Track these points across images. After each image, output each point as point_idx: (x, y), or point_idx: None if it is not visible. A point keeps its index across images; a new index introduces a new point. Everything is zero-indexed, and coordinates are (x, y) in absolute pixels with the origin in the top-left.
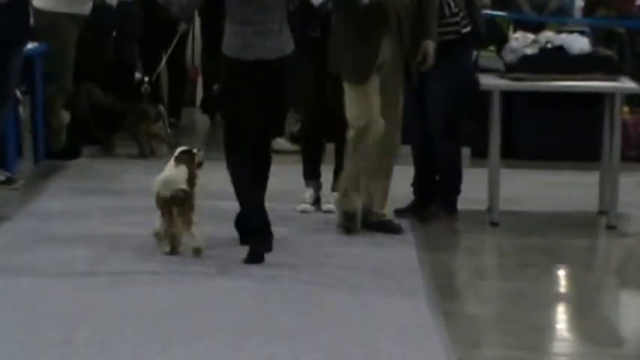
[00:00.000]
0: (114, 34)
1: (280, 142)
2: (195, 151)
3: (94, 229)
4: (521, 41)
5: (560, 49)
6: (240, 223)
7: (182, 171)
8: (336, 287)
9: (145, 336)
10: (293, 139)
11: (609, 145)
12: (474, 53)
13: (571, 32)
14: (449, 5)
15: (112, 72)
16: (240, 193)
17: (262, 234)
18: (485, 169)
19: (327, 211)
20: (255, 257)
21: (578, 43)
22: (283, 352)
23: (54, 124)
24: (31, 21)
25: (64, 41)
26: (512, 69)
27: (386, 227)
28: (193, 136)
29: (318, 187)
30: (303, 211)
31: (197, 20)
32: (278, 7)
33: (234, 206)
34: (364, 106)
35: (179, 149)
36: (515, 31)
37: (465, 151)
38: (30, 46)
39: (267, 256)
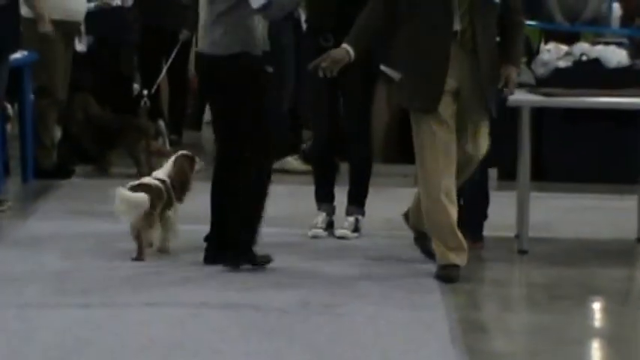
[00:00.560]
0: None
1: (291, 162)
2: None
3: (87, 255)
4: (553, 53)
5: (595, 61)
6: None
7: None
8: (351, 319)
9: None
10: (304, 158)
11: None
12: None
13: (608, 44)
14: None
15: (108, 84)
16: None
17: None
18: (513, 192)
19: (341, 237)
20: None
21: (616, 56)
22: None
23: (46, 141)
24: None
25: (53, 50)
26: (544, 83)
27: None
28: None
29: (331, 211)
30: (315, 237)
31: None
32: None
33: None
34: (432, 155)
35: (180, 152)
36: (546, 42)
37: (492, 173)
38: (18, 55)
39: (274, 286)
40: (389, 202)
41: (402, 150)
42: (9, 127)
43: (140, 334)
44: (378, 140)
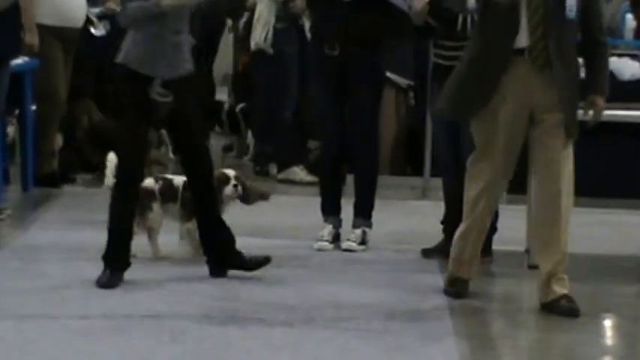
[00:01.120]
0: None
1: (296, 172)
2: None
3: (88, 266)
4: None
5: (609, 74)
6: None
7: None
8: (357, 334)
9: None
10: (310, 168)
11: None
12: None
13: (621, 56)
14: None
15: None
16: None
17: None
18: (523, 206)
19: (347, 250)
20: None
21: (629, 68)
22: None
23: (45, 149)
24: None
25: (52, 56)
26: None
27: None
28: None
29: (337, 224)
30: (320, 250)
31: None
32: None
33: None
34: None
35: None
36: None
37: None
38: (19, 61)
39: (279, 300)
40: (396, 215)
41: (410, 162)
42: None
43: (141, 346)
44: (386, 152)
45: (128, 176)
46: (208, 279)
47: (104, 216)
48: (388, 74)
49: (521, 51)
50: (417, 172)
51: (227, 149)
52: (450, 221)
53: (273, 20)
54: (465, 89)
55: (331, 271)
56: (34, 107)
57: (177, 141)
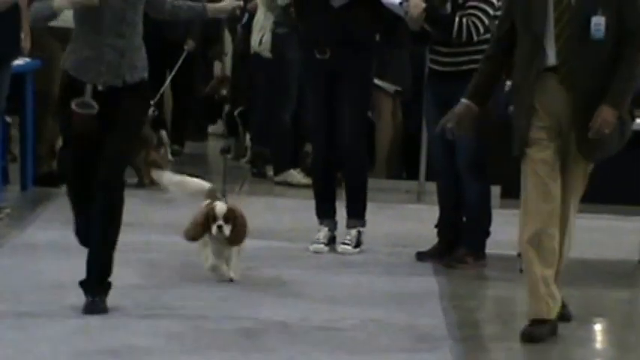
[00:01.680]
0: None
1: (293, 175)
2: None
3: (80, 268)
4: None
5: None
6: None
7: None
8: (352, 335)
9: None
10: (308, 171)
11: None
12: (506, 85)
13: None
14: (477, 29)
15: None
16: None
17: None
18: (516, 211)
19: (343, 253)
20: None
21: None
22: None
23: (44, 149)
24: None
25: (52, 57)
26: None
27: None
28: (202, 167)
29: (333, 226)
30: (316, 252)
31: None
32: None
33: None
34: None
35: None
36: None
37: (495, 190)
38: (20, 61)
39: (275, 299)
40: (391, 218)
41: (406, 166)
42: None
43: (138, 345)
44: (382, 155)
45: (77, 191)
46: (206, 281)
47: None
48: (376, 81)
49: (552, 69)
50: (413, 176)
51: (225, 151)
52: (445, 225)
53: (269, 25)
54: (515, 119)
55: (327, 273)
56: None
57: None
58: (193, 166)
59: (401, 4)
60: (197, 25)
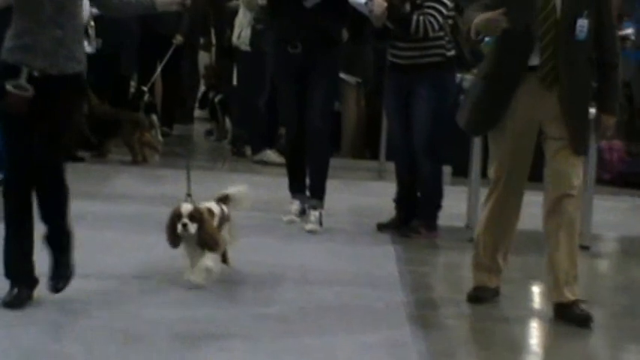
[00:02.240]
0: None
1: (269, 154)
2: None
3: (87, 230)
4: None
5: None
6: None
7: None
8: (319, 295)
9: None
10: (281, 152)
11: (585, 170)
12: (458, 77)
13: None
14: (432, 26)
15: (109, 81)
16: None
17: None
18: (465, 187)
19: (310, 231)
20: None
21: None
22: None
23: None
24: None
25: None
26: None
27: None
28: (188, 145)
29: (303, 200)
30: (289, 222)
31: None
32: None
33: None
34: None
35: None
36: None
37: (447, 169)
38: None
39: (252, 265)
40: (355, 194)
41: (368, 147)
42: None
43: (137, 322)
44: (347, 139)
45: (14, 174)
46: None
47: (101, 188)
48: (341, 75)
49: (533, 68)
50: (374, 156)
51: (208, 134)
52: (402, 200)
53: (247, 22)
54: (481, 105)
55: (298, 241)
56: None
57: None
58: (180, 144)
59: (366, 4)
60: (185, 21)
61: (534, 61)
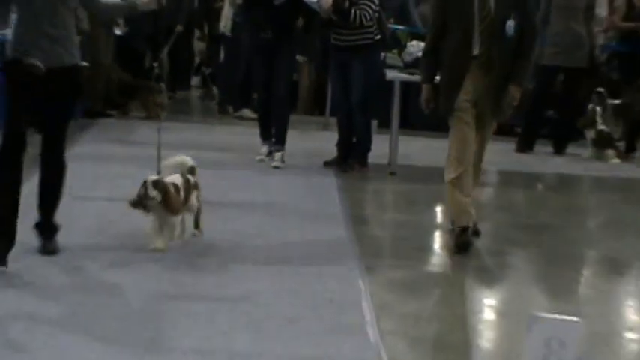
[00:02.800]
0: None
1: (246, 112)
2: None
3: (112, 169)
4: (415, 48)
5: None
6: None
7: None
8: (279, 209)
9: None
10: (254, 110)
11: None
12: (383, 55)
13: None
14: (365, 18)
15: (130, 58)
16: None
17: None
18: (388, 135)
19: (275, 167)
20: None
21: None
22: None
23: (94, 96)
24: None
25: (97, 35)
26: (409, 66)
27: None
28: (186, 106)
29: (270, 145)
30: (260, 161)
31: None
32: None
33: None
34: (459, 149)
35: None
36: (411, 40)
37: (374, 122)
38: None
39: (228, 188)
40: (308, 140)
41: (316, 107)
42: None
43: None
44: (302, 101)
45: (9, 143)
46: None
47: (124, 137)
48: (297, 57)
49: (474, 57)
50: (321, 113)
51: (202, 97)
52: (341, 144)
53: (230, 15)
54: (446, 91)
55: (265, 173)
56: None
57: (41, 126)
58: (181, 104)
59: (317, 1)
60: (182, 15)
61: (475, 51)
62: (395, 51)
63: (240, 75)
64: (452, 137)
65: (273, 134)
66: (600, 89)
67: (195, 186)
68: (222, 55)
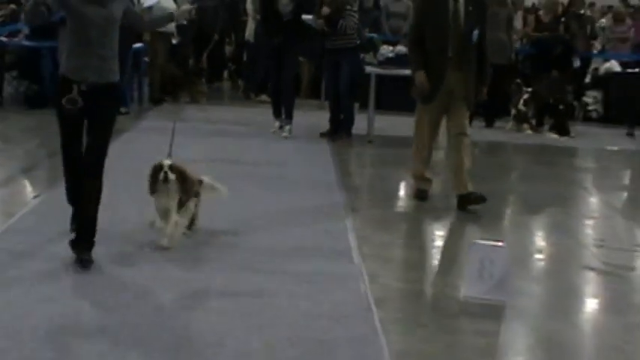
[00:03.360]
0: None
1: (263, 97)
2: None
3: (166, 141)
4: (386, 50)
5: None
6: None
7: None
8: (277, 171)
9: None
10: (269, 95)
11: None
12: (362, 55)
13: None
14: (349, 27)
15: (181, 59)
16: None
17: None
18: (366, 114)
19: (285, 137)
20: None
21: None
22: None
23: (154, 85)
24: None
25: (155, 44)
26: (382, 64)
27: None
28: (220, 93)
29: (281, 121)
30: (274, 132)
31: None
32: None
33: None
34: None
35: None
36: (383, 45)
37: (357, 104)
38: (139, 45)
39: (247, 150)
40: (308, 118)
41: (314, 93)
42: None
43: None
44: (304, 89)
45: (66, 154)
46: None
47: (176, 116)
48: (300, 57)
49: (450, 58)
50: (317, 97)
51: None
52: (332, 120)
53: (253, 26)
54: (430, 84)
55: (276, 140)
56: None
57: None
58: (216, 92)
59: (314, 20)
60: (219, 25)
61: (450, 53)
62: (371, 53)
63: (260, 70)
64: (422, 122)
65: (283, 112)
66: (518, 80)
67: (197, 194)
68: (245, 56)
